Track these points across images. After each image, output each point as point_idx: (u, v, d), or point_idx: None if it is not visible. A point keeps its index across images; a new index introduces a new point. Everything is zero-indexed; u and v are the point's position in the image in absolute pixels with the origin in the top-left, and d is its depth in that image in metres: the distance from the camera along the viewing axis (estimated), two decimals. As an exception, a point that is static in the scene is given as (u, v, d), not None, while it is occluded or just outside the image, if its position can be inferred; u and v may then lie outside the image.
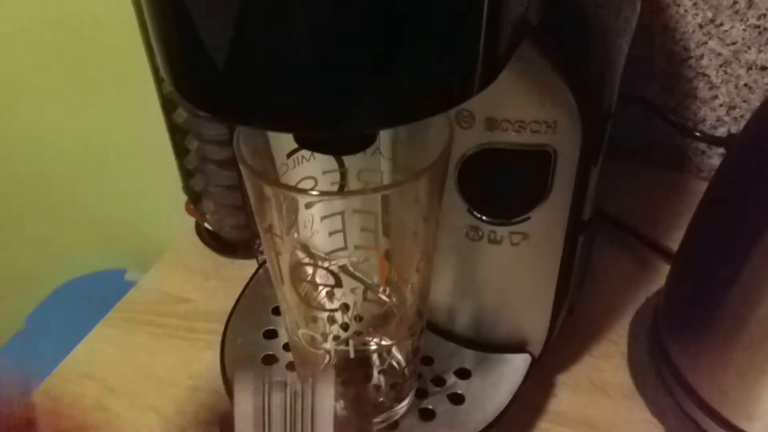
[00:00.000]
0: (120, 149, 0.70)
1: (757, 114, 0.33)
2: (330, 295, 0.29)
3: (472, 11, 0.20)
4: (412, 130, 0.27)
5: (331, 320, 0.31)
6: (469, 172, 0.30)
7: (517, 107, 0.28)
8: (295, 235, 0.28)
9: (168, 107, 0.40)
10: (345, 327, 0.31)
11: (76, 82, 0.67)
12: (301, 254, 0.28)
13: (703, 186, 0.36)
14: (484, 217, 0.31)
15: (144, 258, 0.76)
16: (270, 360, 0.36)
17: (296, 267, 0.28)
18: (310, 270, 0.28)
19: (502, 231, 0.31)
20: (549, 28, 0.25)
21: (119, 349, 0.41)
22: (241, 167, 0.25)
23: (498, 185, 0.30)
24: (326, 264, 0.28)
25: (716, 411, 0.34)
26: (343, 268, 0.31)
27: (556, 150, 0.28)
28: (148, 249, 0.74)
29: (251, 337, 0.37)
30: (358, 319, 0.31)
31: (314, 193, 0.25)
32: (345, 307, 0.31)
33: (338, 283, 0.28)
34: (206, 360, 0.40)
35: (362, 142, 0.25)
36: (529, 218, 0.31)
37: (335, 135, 0.24)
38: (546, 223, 0.31)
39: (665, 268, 0.45)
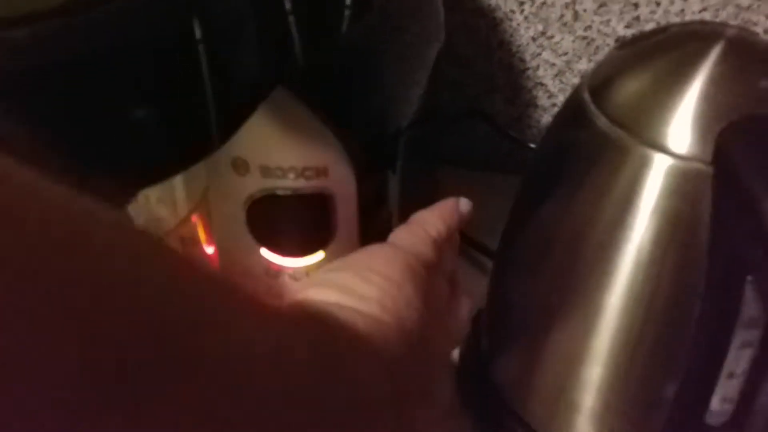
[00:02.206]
0: None
1: (549, 128, 0.35)
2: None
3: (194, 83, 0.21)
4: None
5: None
6: (257, 216, 0.31)
7: (286, 155, 0.28)
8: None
9: None
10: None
11: None
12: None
13: None
14: (278, 257, 0.32)
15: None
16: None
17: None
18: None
19: (298, 269, 0.32)
20: (309, 79, 0.26)
21: None
22: None
23: (286, 227, 0.31)
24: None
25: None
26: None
27: (332, 193, 0.29)
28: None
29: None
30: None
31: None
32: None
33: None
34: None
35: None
36: (322, 256, 0.32)
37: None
38: (340, 255, 0.32)
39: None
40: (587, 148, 0.27)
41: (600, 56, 0.49)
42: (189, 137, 0.22)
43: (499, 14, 0.50)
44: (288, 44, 0.23)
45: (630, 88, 0.27)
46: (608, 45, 0.49)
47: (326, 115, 0.27)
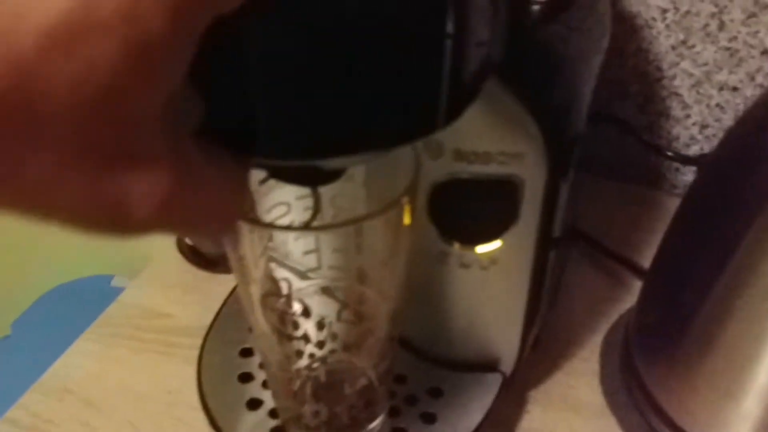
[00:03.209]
0: None
1: (729, 134, 0.34)
2: (298, 322, 0.30)
3: (435, 53, 0.21)
4: (382, 160, 0.28)
5: (306, 340, 0.32)
6: (440, 199, 0.31)
7: (484, 140, 0.29)
8: (266, 262, 0.29)
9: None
10: (320, 345, 0.32)
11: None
12: (272, 283, 0.29)
13: (676, 203, 0.36)
14: (453, 243, 0.32)
15: (131, 264, 0.76)
16: (246, 378, 0.36)
17: (267, 296, 0.29)
18: (280, 300, 0.29)
19: (471, 255, 0.32)
20: (513, 62, 0.26)
21: (99, 364, 0.42)
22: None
23: (467, 212, 0.31)
24: (295, 293, 0.29)
25: (684, 432, 0.34)
26: (318, 288, 0.31)
27: (523, 179, 0.29)
28: (134, 256, 0.75)
29: (227, 354, 0.38)
30: (332, 337, 0.32)
31: (287, 227, 0.26)
32: (320, 326, 0.32)
33: (306, 313, 0.29)
34: (184, 375, 0.40)
35: (331, 175, 0.26)
36: (499, 245, 0.32)
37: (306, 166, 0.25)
38: (515, 246, 0.32)
39: (637, 286, 0.46)
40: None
41: (743, 68, 0.48)
42: (423, 109, 0.22)
43: (639, 21, 0.50)
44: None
45: None
46: (753, 57, 0.48)
47: (529, 101, 0.27)
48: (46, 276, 0.81)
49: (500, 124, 0.28)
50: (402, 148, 0.24)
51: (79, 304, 0.78)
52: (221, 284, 0.45)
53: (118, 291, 0.79)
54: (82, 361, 0.42)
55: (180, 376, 0.40)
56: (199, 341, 0.39)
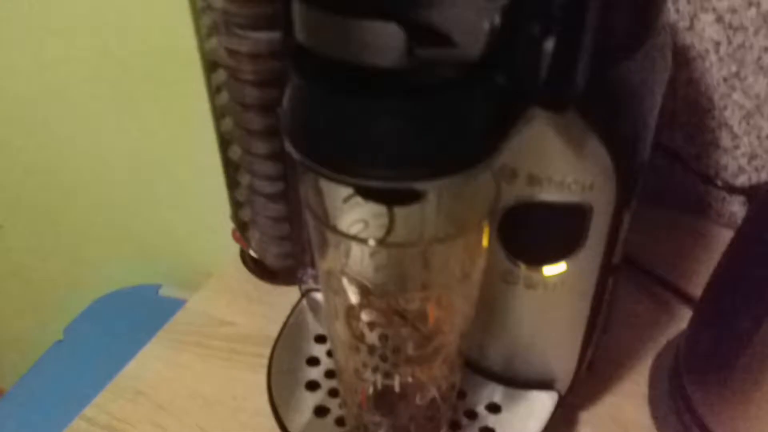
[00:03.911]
0: (170, 176, 0.74)
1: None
2: (370, 335, 0.32)
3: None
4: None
5: (375, 352, 0.33)
6: (509, 221, 0.32)
7: (558, 167, 0.30)
8: (349, 275, 0.31)
9: (224, 144, 0.43)
10: (384, 358, 0.34)
11: (131, 109, 0.70)
12: (355, 295, 0.31)
13: (723, 231, 0.38)
14: (520, 263, 0.33)
15: (178, 275, 0.79)
16: (313, 386, 0.38)
17: (346, 308, 0.31)
18: (363, 309, 0.31)
19: (537, 276, 0.34)
20: (591, 95, 0.28)
21: (168, 368, 0.44)
22: (309, 215, 0.28)
23: (535, 234, 0.33)
24: (379, 304, 0.31)
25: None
26: (389, 303, 0.33)
27: (592, 206, 0.31)
28: (183, 266, 0.78)
29: (294, 363, 0.40)
30: (401, 352, 0.34)
31: (371, 243, 0.28)
32: (384, 339, 0.34)
33: (389, 323, 0.30)
34: (249, 381, 0.42)
35: (414, 196, 0.28)
36: (564, 268, 0.33)
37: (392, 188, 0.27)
38: (579, 270, 0.33)
39: (684, 312, 0.47)
40: None
41: (794, 101, 0.49)
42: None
43: (692, 53, 0.51)
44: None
45: None
46: (804, 91, 0.49)
47: (602, 132, 0.29)
48: (97, 284, 0.84)
49: (574, 153, 0.30)
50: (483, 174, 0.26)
51: (128, 312, 0.81)
52: (282, 295, 0.47)
53: (166, 300, 0.82)
54: (152, 364, 0.44)
55: (245, 383, 0.42)
56: (261, 349, 0.41)
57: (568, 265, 0.33)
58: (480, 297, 0.35)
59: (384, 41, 0.22)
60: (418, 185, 0.26)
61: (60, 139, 0.78)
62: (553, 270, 0.33)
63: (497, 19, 0.25)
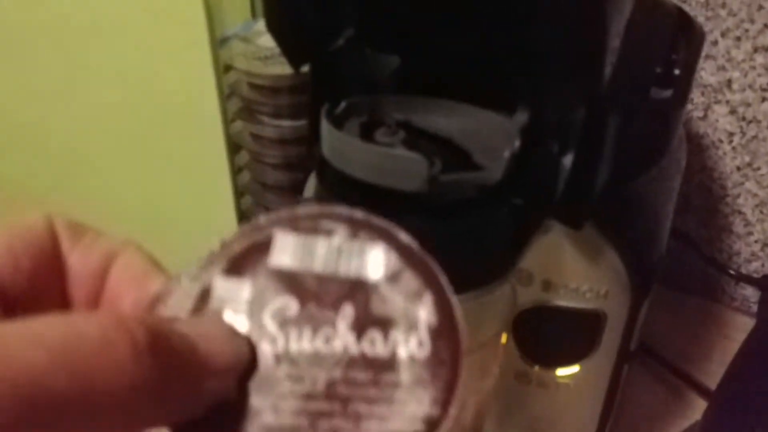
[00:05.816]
0: (188, 248, 0.73)
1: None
2: None
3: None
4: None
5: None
6: (524, 322, 0.33)
7: (573, 276, 0.31)
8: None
9: (243, 221, 0.44)
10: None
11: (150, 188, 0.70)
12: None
13: (734, 315, 0.37)
14: (534, 365, 0.34)
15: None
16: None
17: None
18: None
19: (550, 376, 0.34)
20: (608, 209, 0.28)
21: None
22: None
23: (550, 337, 0.33)
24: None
25: None
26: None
27: (606, 314, 0.31)
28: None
29: None
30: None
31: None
32: None
33: None
34: None
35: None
36: (577, 369, 0.33)
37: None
38: (593, 369, 0.34)
39: (696, 399, 0.47)
40: None
41: (807, 193, 0.50)
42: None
43: (706, 141, 0.52)
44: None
45: None
46: (817, 184, 0.49)
47: (619, 244, 0.29)
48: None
49: (589, 263, 0.30)
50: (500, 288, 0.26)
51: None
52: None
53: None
54: None
55: None
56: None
57: (581, 367, 0.33)
58: (493, 394, 0.35)
59: (409, 169, 0.23)
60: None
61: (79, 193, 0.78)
62: (566, 371, 0.33)
63: (518, 141, 0.25)
